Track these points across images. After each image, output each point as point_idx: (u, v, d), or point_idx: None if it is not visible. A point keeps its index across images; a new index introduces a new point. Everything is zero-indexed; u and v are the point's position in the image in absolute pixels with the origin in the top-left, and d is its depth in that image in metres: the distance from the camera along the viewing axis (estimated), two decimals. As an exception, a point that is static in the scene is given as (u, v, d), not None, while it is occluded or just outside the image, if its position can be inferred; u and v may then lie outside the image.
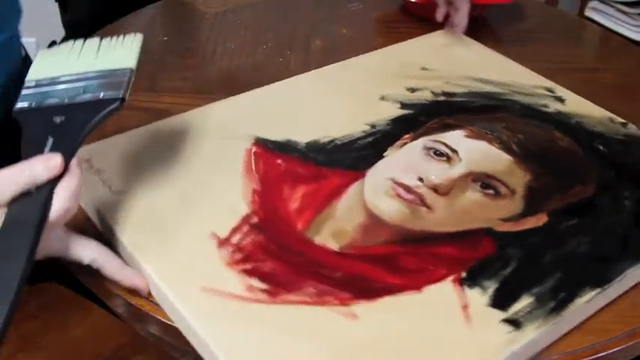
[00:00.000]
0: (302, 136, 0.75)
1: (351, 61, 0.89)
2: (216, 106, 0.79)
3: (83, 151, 0.68)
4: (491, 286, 0.59)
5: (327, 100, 0.81)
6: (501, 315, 0.57)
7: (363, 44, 0.95)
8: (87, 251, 0.59)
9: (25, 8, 0.77)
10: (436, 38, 0.95)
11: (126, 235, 0.62)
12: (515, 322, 0.56)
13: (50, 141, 0.58)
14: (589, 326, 0.59)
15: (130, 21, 1.04)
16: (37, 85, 0.62)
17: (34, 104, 0.60)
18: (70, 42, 0.65)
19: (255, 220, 0.64)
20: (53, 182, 0.55)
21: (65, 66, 0.62)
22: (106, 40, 0.64)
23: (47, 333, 0.83)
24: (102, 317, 0.80)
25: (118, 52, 0.62)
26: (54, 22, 1.36)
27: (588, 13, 1.80)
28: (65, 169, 0.56)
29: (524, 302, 0.58)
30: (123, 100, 0.59)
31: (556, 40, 1.02)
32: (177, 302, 0.57)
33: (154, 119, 0.75)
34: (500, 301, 0.58)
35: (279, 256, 0.61)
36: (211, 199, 0.66)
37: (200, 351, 0.55)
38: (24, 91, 0.62)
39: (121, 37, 0.64)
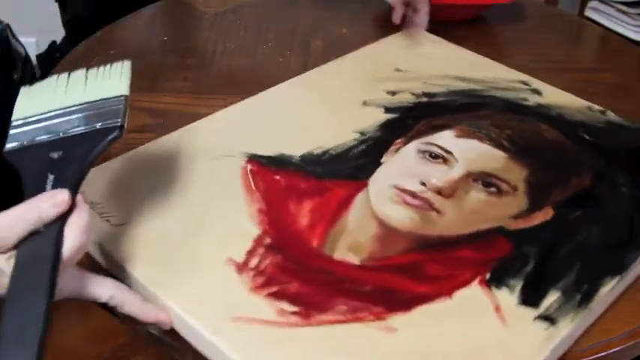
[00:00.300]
0: (294, 149, 0.73)
1: (325, 67, 0.88)
2: (200, 125, 0.76)
3: None
4: (517, 285, 0.60)
5: (310, 110, 0.80)
6: (534, 312, 0.57)
7: (363, 44, 0.94)
8: (104, 289, 0.56)
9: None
10: (402, 38, 0.95)
11: (138, 270, 0.59)
12: (549, 318, 0.57)
13: (51, 178, 0.55)
14: (589, 326, 0.59)
15: (130, 21, 1.02)
16: (25, 124, 0.58)
17: (25, 142, 0.57)
18: (54, 76, 0.62)
19: (268, 240, 0.63)
20: (62, 219, 0.52)
21: (53, 101, 0.59)
22: (93, 71, 0.61)
23: (47, 333, 0.82)
24: (102, 317, 0.77)
25: (108, 81, 0.60)
26: (54, 22, 1.34)
27: (588, 13, 1.78)
28: (72, 204, 0.53)
29: (553, 297, 0.59)
30: (122, 128, 0.57)
31: (556, 40, 1.02)
32: (211, 336, 0.54)
33: (154, 119, 0.72)
34: (530, 299, 0.58)
35: (303, 276, 0.59)
36: (218, 224, 0.64)
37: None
38: (12, 131, 0.58)
39: (108, 65, 0.61)
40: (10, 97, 0.62)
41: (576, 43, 1.07)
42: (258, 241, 0.62)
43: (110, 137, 0.56)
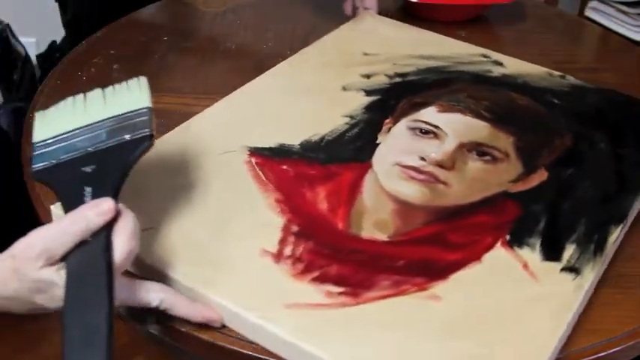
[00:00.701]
0: (291, 138, 0.75)
1: (293, 58, 0.89)
2: (192, 124, 0.76)
3: None
4: (536, 243, 0.64)
5: (294, 100, 0.81)
6: (558, 266, 0.62)
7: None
8: (153, 294, 0.56)
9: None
10: (360, 23, 0.98)
11: (179, 272, 0.59)
12: (573, 269, 0.61)
13: (88, 190, 0.55)
14: (589, 326, 0.60)
15: (130, 21, 1.01)
16: (48, 144, 0.58)
17: (53, 161, 0.57)
18: (70, 98, 0.62)
19: (295, 228, 0.64)
20: (107, 228, 0.53)
21: (73, 120, 0.59)
22: (109, 89, 0.61)
23: (47, 333, 0.83)
24: None
25: (127, 96, 0.60)
26: (54, 22, 1.32)
27: (588, 13, 1.77)
28: (116, 212, 0.54)
29: (570, 250, 0.63)
30: (151, 137, 0.58)
31: (556, 40, 1.02)
32: (269, 325, 0.55)
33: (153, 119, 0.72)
34: (552, 254, 0.63)
35: (339, 258, 0.61)
36: (242, 218, 0.65)
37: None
38: (36, 152, 0.58)
39: (124, 82, 0.62)
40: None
41: (576, 43, 1.08)
42: (286, 230, 0.64)
43: (142, 147, 0.57)
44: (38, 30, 1.28)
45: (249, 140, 0.74)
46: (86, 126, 0.58)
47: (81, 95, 0.61)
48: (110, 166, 0.56)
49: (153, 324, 0.59)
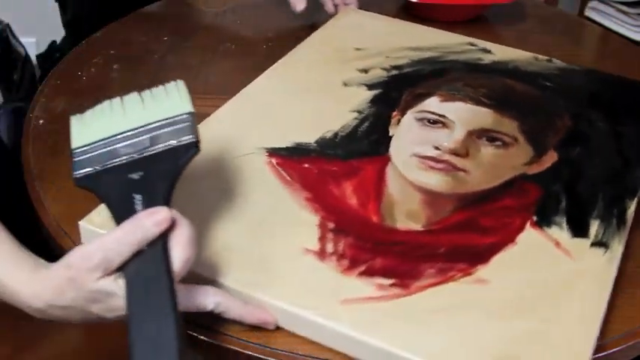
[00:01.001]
0: (305, 137, 0.75)
1: (287, 58, 0.89)
2: (202, 129, 0.75)
3: None
4: (562, 221, 0.66)
5: (298, 98, 0.82)
6: (587, 241, 0.65)
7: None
8: (209, 298, 0.56)
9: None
10: (344, 20, 0.99)
11: (229, 278, 0.59)
12: (602, 244, 0.64)
13: (138, 197, 0.55)
14: None
15: (131, 21, 1.00)
16: (88, 150, 0.57)
17: (98, 167, 0.56)
18: (106, 102, 0.60)
19: (331, 225, 0.65)
20: (163, 236, 0.53)
21: (112, 125, 0.58)
22: (147, 93, 0.60)
23: (47, 333, 0.84)
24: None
25: (166, 100, 0.59)
26: (54, 22, 1.30)
27: (588, 13, 1.76)
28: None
29: (595, 225, 0.66)
30: (198, 143, 0.57)
31: (556, 40, 1.02)
32: (329, 322, 0.56)
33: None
34: (579, 231, 0.66)
35: (381, 251, 0.62)
36: (277, 219, 0.65)
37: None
38: (76, 159, 0.57)
39: (161, 86, 0.61)
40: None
41: (576, 43, 1.08)
42: (323, 228, 0.64)
43: (190, 153, 0.57)
44: (38, 30, 1.26)
45: (264, 141, 0.74)
46: (127, 131, 0.57)
47: (117, 99, 0.60)
48: (158, 173, 0.55)
49: None
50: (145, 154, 0.56)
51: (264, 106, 0.80)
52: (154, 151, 0.56)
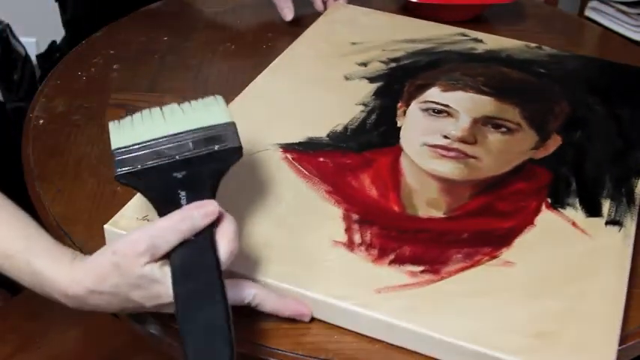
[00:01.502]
0: (315, 131, 0.76)
1: (284, 55, 0.90)
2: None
3: (135, 210, 0.64)
4: (575, 202, 0.69)
5: (302, 93, 0.82)
6: (601, 220, 0.67)
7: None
8: (246, 290, 0.58)
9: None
10: (336, 15, 1.00)
11: (264, 272, 0.60)
12: (616, 222, 0.67)
13: (183, 194, 0.56)
14: None
15: (130, 21, 0.99)
16: (130, 151, 0.58)
17: (139, 166, 0.57)
18: (145, 110, 0.61)
19: (356, 216, 0.66)
20: (210, 229, 0.54)
21: (154, 130, 0.59)
22: (186, 104, 0.61)
23: (47, 333, 0.84)
24: (102, 317, 0.81)
25: (206, 111, 0.60)
26: (54, 22, 1.30)
27: (588, 13, 1.75)
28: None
29: (607, 204, 0.69)
30: (241, 149, 0.59)
31: (556, 40, 1.00)
32: (370, 312, 0.57)
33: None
34: (593, 210, 0.68)
35: (407, 239, 0.64)
36: (301, 213, 0.66)
37: (421, 348, 0.57)
38: (118, 157, 0.58)
39: (200, 99, 0.62)
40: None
41: (576, 44, 1.09)
42: (348, 219, 0.66)
43: (233, 158, 0.58)
44: (38, 30, 1.24)
45: (276, 138, 0.75)
46: (169, 135, 0.58)
47: (157, 108, 0.61)
48: (202, 172, 0.57)
49: (153, 324, 0.60)
50: (187, 156, 0.57)
51: (270, 102, 0.81)
52: (197, 154, 0.57)
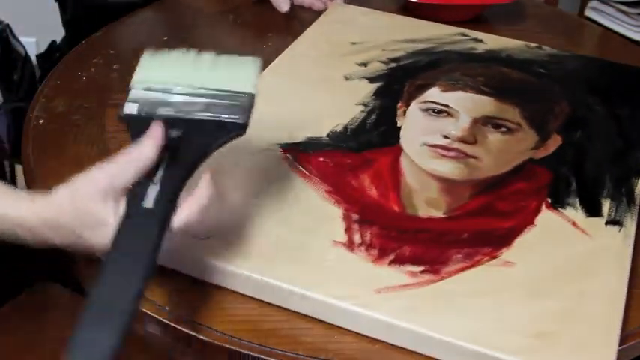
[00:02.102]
0: (315, 131, 0.76)
1: (284, 55, 0.90)
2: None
3: None
4: (575, 202, 0.69)
5: (303, 93, 0.82)
6: (601, 220, 0.67)
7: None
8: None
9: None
10: (335, 15, 1.00)
11: (262, 272, 0.60)
12: (616, 222, 0.67)
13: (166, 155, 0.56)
14: None
15: (130, 21, 0.99)
16: (147, 89, 0.58)
17: (145, 110, 0.57)
18: (181, 51, 0.62)
19: (356, 216, 0.66)
20: (175, 190, 0.54)
21: (179, 76, 0.59)
22: (223, 58, 0.61)
23: (47, 333, 0.84)
24: None
25: (237, 72, 0.60)
26: (54, 22, 1.29)
27: (588, 13, 1.74)
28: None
29: (607, 205, 0.69)
30: (246, 127, 0.58)
31: (556, 40, 1.00)
32: (370, 312, 0.57)
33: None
34: (593, 210, 0.68)
35: (407, 239, 0.64)
36: (301, 213, 0.66)
37: (421, 348, 0.57)
38: (133, 92, 0.58)
39: (238, 57, 0.62)
40: None
41: (576, 44, 1.08)
42: (348, 219, 0.66)
43: (232, 134, 0.58)
44: (38, 30, 1.24)
45: (276, 138, 0.75)
46: (189, 87, 0.58)
47: (192, 52, 0.61)
48: (196, 139, 0.56)
49: (153, 324, 0.60)
50: (191, 117, 0.57)
51: (270, 102, 0.80)
52: (201, 118, 0.57)
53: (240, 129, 0.57)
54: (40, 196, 0.58)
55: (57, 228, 0.56)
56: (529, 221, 0.66)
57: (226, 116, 0.57)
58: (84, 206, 0.54)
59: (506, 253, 0.63)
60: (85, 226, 0.55)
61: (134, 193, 0.54)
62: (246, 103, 0.58)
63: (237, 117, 0.57)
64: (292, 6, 1.04)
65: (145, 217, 0.53)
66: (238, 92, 0.58)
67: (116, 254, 0.51)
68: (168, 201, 0.53)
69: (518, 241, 0.64)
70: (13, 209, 0.58)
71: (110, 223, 0.53)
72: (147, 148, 0.54)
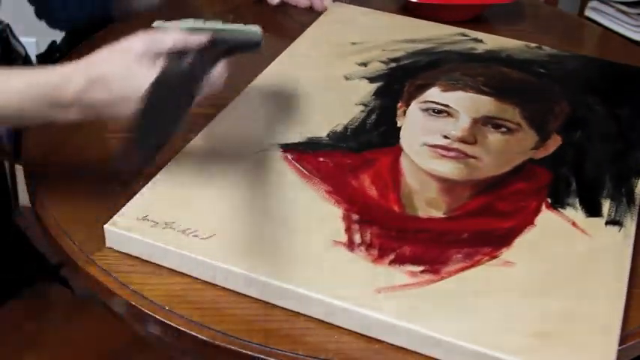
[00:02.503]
0: (315, 131, 0.76)
1: (283, 56, 0.89)
2: (213, 128, 0.76)
3: (135, 210, 0.64)
4: (575, 202, 0.69)
5: (304, 93, 0.82)
6: (601, 220, 0.67)
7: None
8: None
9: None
10: (335, 15, 1.00)
11: (262, 272, 0.60)
12: (616, 222, 0.67)
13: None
14: None
15: (130, 21, 0.98)
16: (164, 26, 0.70)
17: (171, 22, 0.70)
18: (189, 19, 0.71)
19: (356, 216, 0.66)
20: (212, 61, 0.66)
21: (192, 24, 0.70)
22: (227, 23, 0.70)
23: (47, 333, 0.85)
24: (102, 317, 0.80)
25: (242, 27, 0.69)
26: None
27: (588, 13, 1.72)
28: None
29: (607, 205, 0.69)
30: (260, 43, 0.68)
31: (556, 40, 0.99)
32: (371, 312, 0.57)
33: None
34: (593, 210, 0.68)
35: (407, 239, 0.64)
36: (301, 213, 0.66)
37: (421, 348, 0.57)
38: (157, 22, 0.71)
39: (240, 24, 0.70)
40: None
41: (576, 44, 1.08)
42: (347, 219, 0.66)
43: (252, 41, 0.68)
44: (38, 30, 1.23)
45: (276, 137, 0.75)
46: (204, 27, 0.69)
47: (201, 19, 0.71)
48: (221, 42, 0.67)
49: (153, 324, 0.60)
50: (215, 36, 0.67)
51: (270, 102, 0.81)
52: (223, 36, 0.68)
53: (256, 40, 0.68)
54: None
55: (102, 82, 0.62)
56: (529, 221, 0.66)
57: (243, 36, 0.69)
58: (123, 58, 0.63)
59: (506, 253, 0.63)
60: (119, 76, 0.62)
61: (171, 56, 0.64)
62: (257, 32, 0.68)
63: (252, 35, 0.68)
64: (290, 5, 1.04)
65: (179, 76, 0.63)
66: (249, 30, 0.69)
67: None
68: (200, 70, 0.64)
69: (518, 241, 0.64)
70: (44, 75, 0.63)
71: (144, 75, 0.61)
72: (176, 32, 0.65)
